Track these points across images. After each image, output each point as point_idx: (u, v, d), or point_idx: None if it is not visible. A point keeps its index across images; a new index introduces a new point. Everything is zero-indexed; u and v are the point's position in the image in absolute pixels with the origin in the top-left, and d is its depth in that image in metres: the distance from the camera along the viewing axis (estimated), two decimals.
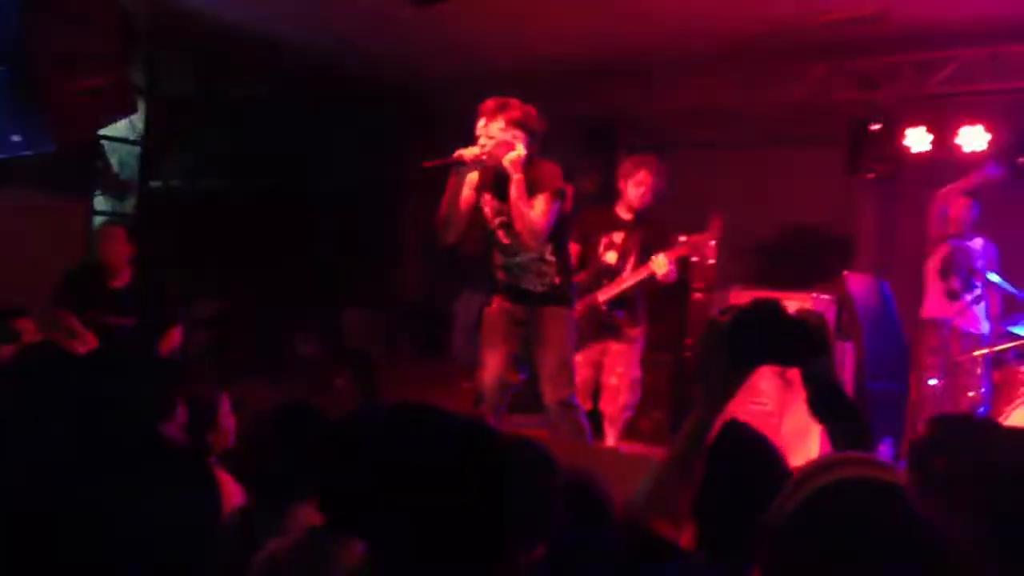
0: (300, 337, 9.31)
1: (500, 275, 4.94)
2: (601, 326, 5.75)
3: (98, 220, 8.34)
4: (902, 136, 7.61)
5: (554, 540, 1.78)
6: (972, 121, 7.23)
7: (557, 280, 4.88)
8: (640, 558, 1.60)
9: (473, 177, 4.84)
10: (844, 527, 1.46)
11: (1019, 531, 1.69)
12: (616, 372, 5.78)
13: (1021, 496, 1.75)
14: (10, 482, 1.54)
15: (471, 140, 4.74)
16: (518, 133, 4.70)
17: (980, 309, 6.70)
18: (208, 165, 9.69)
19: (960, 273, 6.64)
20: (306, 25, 7.90)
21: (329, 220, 9.92)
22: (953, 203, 6.73)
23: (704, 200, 6.20)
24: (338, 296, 10.14)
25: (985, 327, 6.70)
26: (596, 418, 5.83)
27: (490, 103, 4.75)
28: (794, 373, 1.86)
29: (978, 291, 6.66)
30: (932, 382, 6.65)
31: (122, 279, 6.03)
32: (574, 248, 5.48)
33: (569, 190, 4.90)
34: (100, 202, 8.87)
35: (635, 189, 5.83)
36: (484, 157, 4.65)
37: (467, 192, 4.82)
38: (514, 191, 4.64)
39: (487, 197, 4.86)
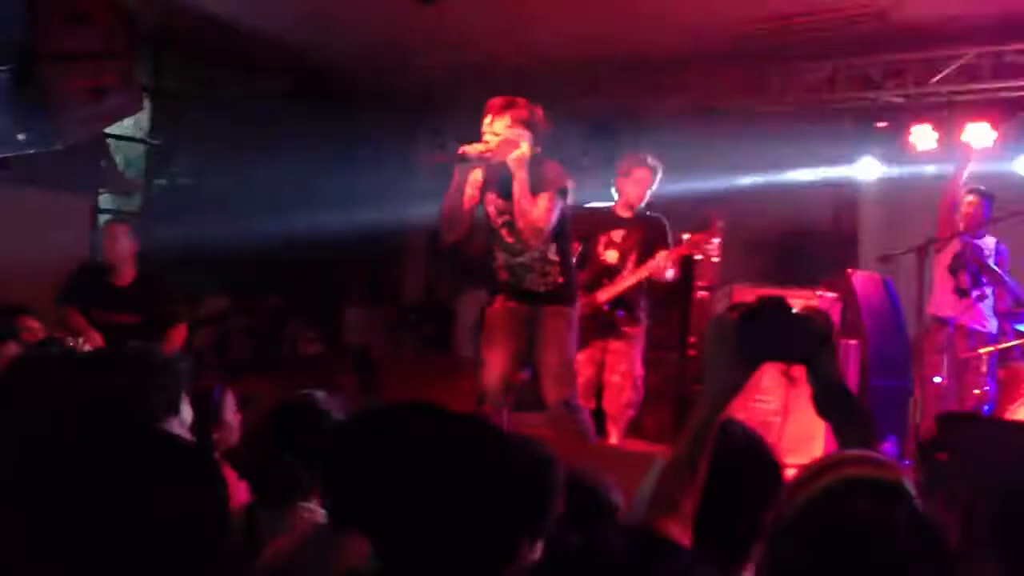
0: (303, 335, 9.32)
1: (503, 274, 4.94)
2: (602, 325, 5.74)
3: (103, 218, 8.36)
4: (907, 134, 7.60)
5: (557, 540, 1.78)
6: (977, 119, 7.21)
7: (560, 280, 4.87)
8: (644, 558, 1.60)
9: (477, 176, 4.83)
10: (848, 527, 1.46)
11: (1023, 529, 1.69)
12: (619, 370, 5.78)
13: None
14: (16, 480, 1.54)
15: (474, 138, 4.74)
16: (523, 132, 4.70)
17: (987, 307, 6.69)
18: (213, 163, 9.70)
19: (970, 270, 6.62)
20: (310, 24, 7.91)
21: (332, 218, 9.92)
22: (965, 201, 6.73)
23: (707, 199, 6.20)
24: (341, 294, 10.16)
25: (992, 325, 6.69)
26: (599, 417, 5.84)
27: (497, 101, 4.75)
28: (799, 371, 1.86)
29: (987, 289, 6.65)
30: (937, 380, 6.65)
31: (126, 277, 6.05)
32: (575, 247, 5.48)
33: (571, 188, 4.90)
34: (105, 200, 8.90)
35: (633, 187, 5.81)
36: (488, 154, 4.65)
37: (470, 191, 4.82)
38: (517, 189, 4.64)
39: (491, 196, 4.86)
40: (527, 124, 4.71)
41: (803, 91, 8.14)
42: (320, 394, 2.94)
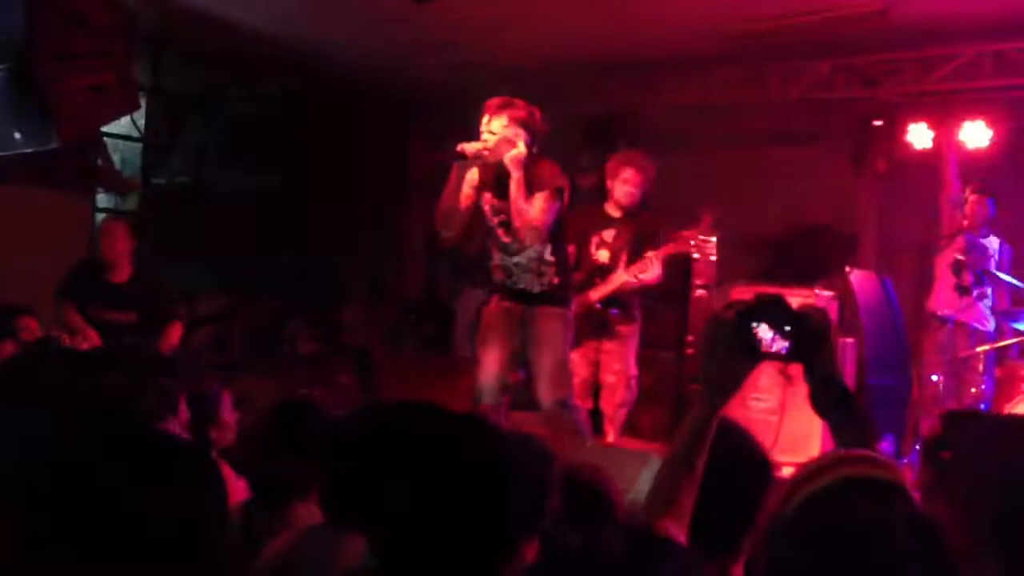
0: (301, 334, 9.32)
1: (499, 274, 4.94)
2: (595, 324, 5.73)
3: (101, 217, 8.36)
4: (904, 133, 7.61)
5: (555, 539, 1.78)
6: (974, 117, 7.22)
7: (556, 280, 4.88)
8: (643, 557, 1.60)
9: (473, 176, 4.84)
10: (847, 526, 1.46)
11: None
12: (613, 370, 5.77)
13: None
14: (14, 480, 1.54)
15: (472, 138, 4.75)
16: (520, 131, 4.70)
17: (986, 305, 6.69)
18: (210, 162, 9.70)
19: (973, 269, 6.62)
20: (307, 23, 7.90)
21: (330, 217, 9.92)
22: (969, 199, 6.73)
23: (705, 198, 6.20)
24: (340, 294, 10.15)
25: (991, 323, 6.70)
26: (597, 416, 5.84)
27: (495, 101, 4.76)
28: (796, 369, 1.86)
29: (988, 288, 6.66)
30: (935, 378, 6.65)
31: (123, 274, 6.04)
32: (570, 248, 5.47)
33: (568, 188, 4.90)
34: (103, 199, 8.89)
35: (623, 187, 5.81)
36: (485, 152, 4.66)
37: (467, 191, 4.82)
38: (514, 189, 4.64)
39: (487, 196, 4.86)
40: (524, 124, 4.71)
41: (801, 89, 8.15)
42: (319, 393, 2.94)
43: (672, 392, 7.29)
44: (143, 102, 7.78)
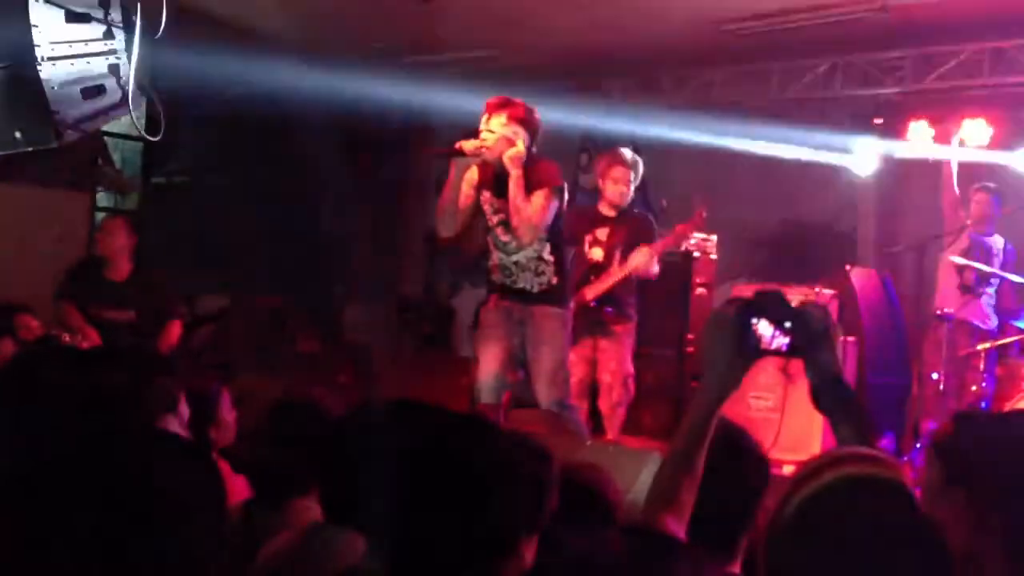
0: (301, 333, 9.32)
1: (497, 274, 4.95)
2: (590, 322, 5.71)
3: (100, 216, 8.36)
4: (905, 131, 7.60)
5: (558, 539, 1.78)
6: (975, 115, 7.22)
7: (555, 280, 4.88)
8: (648, 557, 1.60)
9: (473, 175, 4.84)
10: (847, 525, 1.46)
11: None
12: (609, 369, 5.76)
13: None
14: (12, 479, 1.54)
15: (473, 136, 4.75)
16: (519, 130, 4.70)
17: (988, 303, 6.69)
18: (210, 162, 9.69)
19: (977, 268, 6.61)
20: (309, 22, 7.90)
21: (331, 216, 9.92)
22: (974, 199, 6.73)
23: (706, 197, 6.19)
24: (340, 293, 10.15)
25: (993, 322, 6.69)
26: (596, 416, 5.83)
27: (494, 100, 4.77)
28: (796, 367, 1.86)
29: (992, 288, 6.65)
30: (935, 376, 6.65)
31: (122, 272, 6.04)
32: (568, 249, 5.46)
33: (567, 188, 4.90)
34: (103, 198, 8.89)
35: (613, 186, 5.81)
36: (484, 150, 4.66)
37: (467, 189, 4.83)
38: (512, 187, 4.65)
39: (487, 195, 4.86)
40: (523, 123, 4.71)
41: (802, 87, 8.14)
42: (318, 392, 2.94)
43: (673, 391, 7.28)
44: (142, 101, 7.76)
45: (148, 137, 4.21)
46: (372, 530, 1.57)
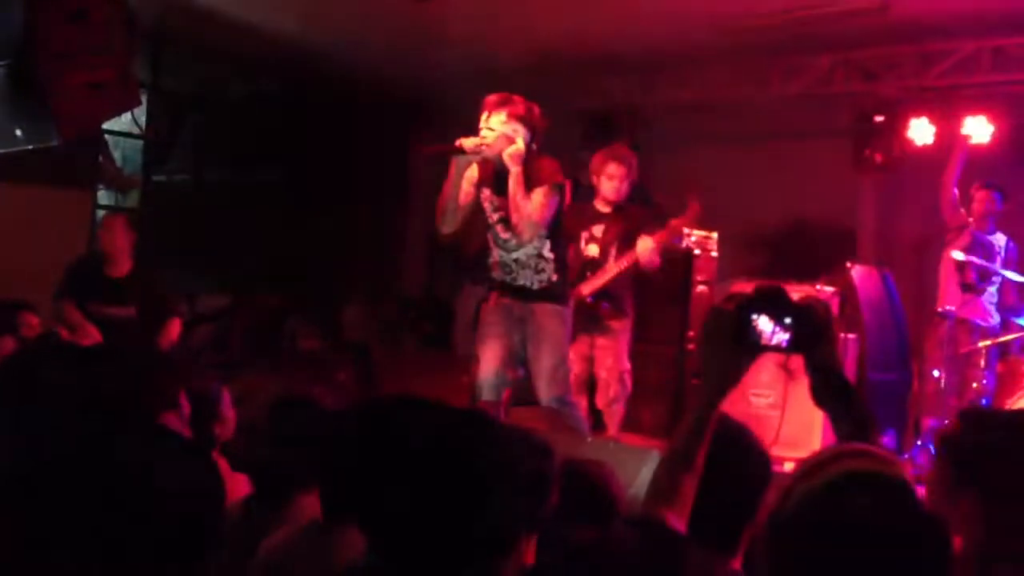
0: (301, 331, 9.32)
1: (498, 271, 4.95)
2: (587, 318, 5.70)
3: (101, 214, 8.36)
4: (905, 128, 7.60)
5: (564, 535, 1.78)
6: (975, 112, 7.21)
7: (555, 277, 4.87)
8: (654, 548, 1.60)
9: (473, 173, 4.84)
10: (849, 521, 1.46)
11: None
12: (606, 365, 5.75)
13: None
14: (12, 478, 1.54)
15: (475, 132, 4.75)
16: (519, 127, 4.70)
17: (989, 301, 6.68)
18: (211, 160, 9.70)
19: (978, 267, 6.60)
20: (309, 21, 7.90)
21: (330, 215, 9.92)
22: (976, 195, 6.72)
23: (706, 193, 6.18)
24: (340, 291, 10.16)
25: (995, 319, 6.69)
26: (597, 413, 5.83)
27: (493, 97, 4.76)
28: (797, 364, 1.86)
29: (993, 286, 6.64)
30: (936, 373, 6.65)
31: (122, 269, 6.04)
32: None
33: (568, 185, 4.89)
34: (103, 196, 8.89)
35: (608, 183, 5.80)
36: (484, 148, 4.65)
37: (467, 187, 4.83)
38: (512, 184, 4.65)
39: (487, 192, 4.86)
40: (523, 120, 4.71)
41: (802, 85, 8.14)
42: (319, 391, 2.94)
43: (673, 388, 7.28)
44: (144, 99, 7.78)
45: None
46: (371, 527, 1.57)
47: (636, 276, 5.81)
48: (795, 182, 8.39)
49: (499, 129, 4.67)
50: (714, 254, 7.09)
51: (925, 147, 7.57)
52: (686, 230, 6.52)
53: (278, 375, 7.18)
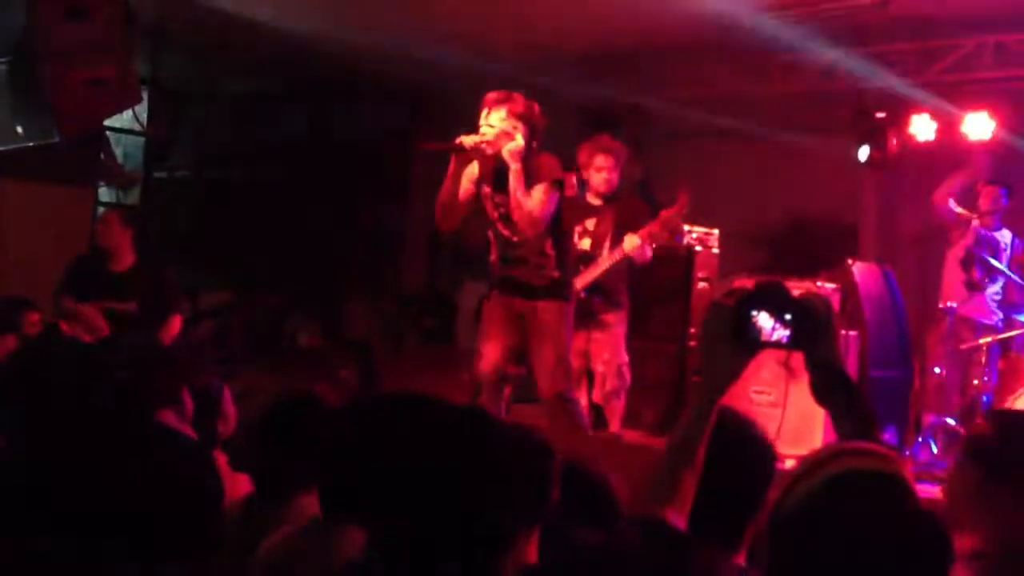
0: (302, 328, 9.33)
1: (499, 268, 4.95)
2: (581, 314, 5.69)
3: (102, 211, 8.37)
4: (907, 124, 7.59)
5: (565, 533, 1.78)
6: (977, 108, 7.20)
7: (556, 274, 4.87)
8: (660, 548, 1.60)
9: (473, 170, 4.84)
10: (848, 518, 1.46)
11: None
12: (602, 359, 5.75)
13: None
14: (12, 476, 1.54)
15: (475, 130, 4.75)
16: (519, 125, 4.70)
17: (993, 299, 6.66)
18: (212, 157, 9.70)
19: (982, 265, 6.58)
20: (310, 16, 7.89)
21: (332, 211, 9.92)
22: (982, 191, 6.69)
23: (708, 189, 6.19)
24: (341, 288, 10.16)
25: (997, 317, 6.67)
26: (599, 410, 5.83)
27: (493, 94, 4.77)
28: (798, 362, 1.86)
29: (998, 284, 6.62)
30: (937, 370, 6.64)
31: (123, 264, 6.04)
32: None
33: (569, 180, 4.89)
34: (105, 193, 8.90)
35: (597, 175, 5.79)
36: (484, 145, 4.66)
37: (467, 184, 4.83)
38: (512, 181, 4.65)
39: (487, 190, 4.87)
40: (522, 117, 4.72)
41: (803, 81, 8.13)
42: (320, 388, 2.93)
43: (675, 385, 7.27)
44: (144, 96, 7.78)
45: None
46: (371, 524, 1.57)
47: (630, 269, 5.80)
48: (796, 179, 8.39)
49: (499, 126, 4.67)
50: (715, 250, 7.07)
51: (927, 143, 7.56)
52: (686, 227, 6.50)
53: (279, 372, 7.18)
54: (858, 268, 7.25)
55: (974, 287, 6.65)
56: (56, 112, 5.27)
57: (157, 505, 1.46)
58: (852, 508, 1.48)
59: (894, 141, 7.79)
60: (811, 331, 1.79)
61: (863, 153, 8.02)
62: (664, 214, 5.70)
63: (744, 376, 1.85)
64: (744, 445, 2.00)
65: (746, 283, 6.24)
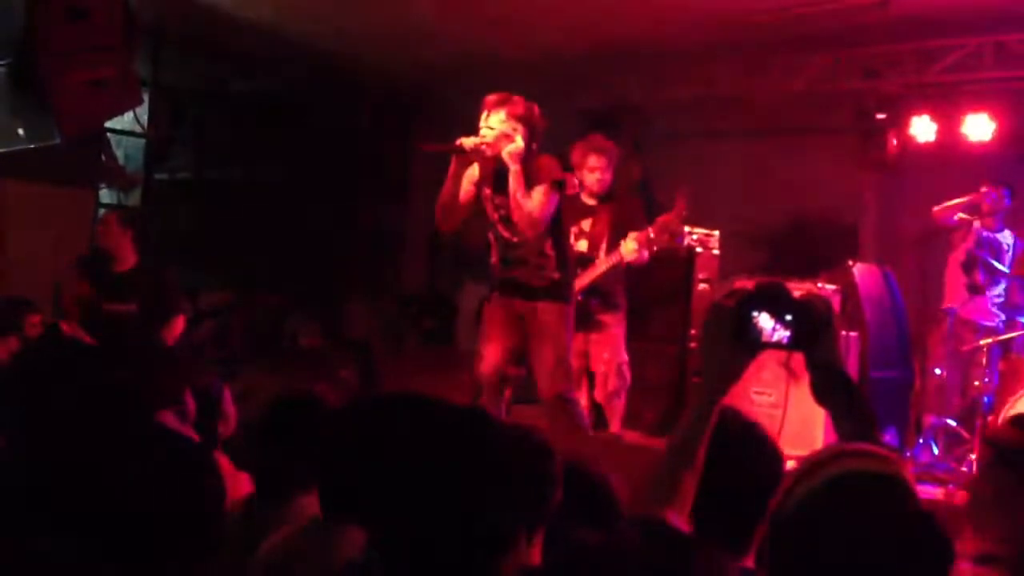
0: (302, 329, 9.33)
1: (499, 269, 4.96)
2: (578, 316, 5.69)
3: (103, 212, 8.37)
4: (907, 125, 7.59)
5: (567, 535, 1.78)
6: (977, 110, 7.19)
7: (556, 275, 4.88)
8: (662, 550, 1.59)
9: (473, 171, 4.85)
10: (848, 520, 1.46)
11: None
12: (602, 359, 5.75)
13: None
14: (13, 475, 1.54)
15: (474, 131, 4.76)
16: (518, 126, 4.71)
17: (995, 301, 6.65)
18: (212, 157, 9.70)
19: (985, 267, 6.57)
20: (310, 18, 7.90)
21: (332, 212, 9.93)
22: (986, 194, 6.68)
23: (708, 189, 6.19)
24: (341, 288, 10.16)
25: (998, 318, 6.66)
26: (599, 410, 5.83)
27: (493, 96, 4.78)
28: (799, 363, 1.86)
29: (1000, 286, 6.61)
30: (938, 371, 6.63)
31: (125, 265, 6.05)
32: None
33: (571, 180, 4.89)
34: (105, 195, 8.90)
35: (590, 175, 5.79)
36: (484, 147, 4.67)
37: (467, 186, 4.84)
38: (512, 182, 4.66)
39: (487, 191, 4.87)
40: (522, 119, 4.72)
41: (804, 82, 8.13)
42: (320, 388, 2.93)
43: (675, 386, 7.27)
44: (145, 97, 7.77)
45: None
46: (371, 524, 1.57)
47: (628, 271, 5.79)
48: (797, 179, 8.38)
49: (498, 128, 4.68)
50: (716, 252, 7.07)
51: (927, 144, 7.56)
52: (687, 228, 6.50)
53: (279, 372, 7.19)
54: (858, 269, 7.26)
55: (976, 290, 6.64)
56: (56, 113, 5.27)
57: (157, 506, 1.46)
58: (852, 509, 1.47)
59: (894, 142, 7.79)
60: (812, 332, 1.79)
61: (863, 154, 8.02)
62: (662, 219, 5.69)
63: (745, 377, 1.85)
64: (746, 446, 2.00)
65: (746, 284, 6.24)
